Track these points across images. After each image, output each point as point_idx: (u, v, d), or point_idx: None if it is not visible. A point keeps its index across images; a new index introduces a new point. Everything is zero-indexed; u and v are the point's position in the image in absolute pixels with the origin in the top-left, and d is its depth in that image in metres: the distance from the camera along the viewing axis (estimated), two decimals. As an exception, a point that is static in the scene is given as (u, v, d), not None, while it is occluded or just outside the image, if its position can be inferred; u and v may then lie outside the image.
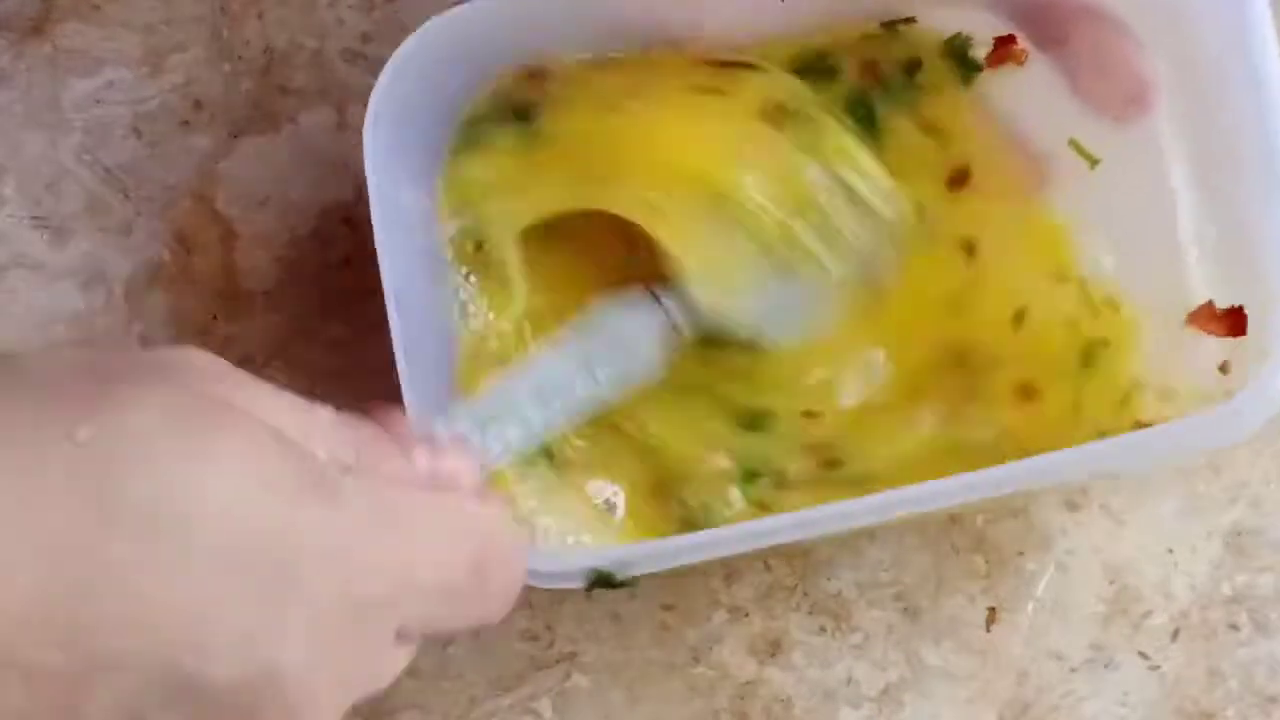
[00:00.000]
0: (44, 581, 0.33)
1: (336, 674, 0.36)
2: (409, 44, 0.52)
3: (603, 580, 0.49)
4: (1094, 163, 0.53)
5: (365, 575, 0.37)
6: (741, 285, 0.52)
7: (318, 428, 0.38)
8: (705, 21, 0.54)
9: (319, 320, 0.59)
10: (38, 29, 0.61)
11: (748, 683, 0.57)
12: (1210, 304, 0.51)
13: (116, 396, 0.35)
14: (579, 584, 0.49)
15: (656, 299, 0.49)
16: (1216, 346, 0.51)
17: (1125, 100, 0.51)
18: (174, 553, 0.34)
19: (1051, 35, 0.52)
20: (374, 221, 0.51)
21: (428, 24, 0.52)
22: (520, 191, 0.54)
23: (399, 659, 0.39)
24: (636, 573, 0.49)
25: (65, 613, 0.33)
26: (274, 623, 0.35)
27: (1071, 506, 0.58)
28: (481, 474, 0.43)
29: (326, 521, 0.36)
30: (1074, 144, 0.53)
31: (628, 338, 0.49)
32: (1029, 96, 0.54)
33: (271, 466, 0.35)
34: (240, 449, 0.35)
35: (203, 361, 0.37)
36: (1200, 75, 0.49)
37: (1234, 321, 0.50)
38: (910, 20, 0.55)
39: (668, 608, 0.58)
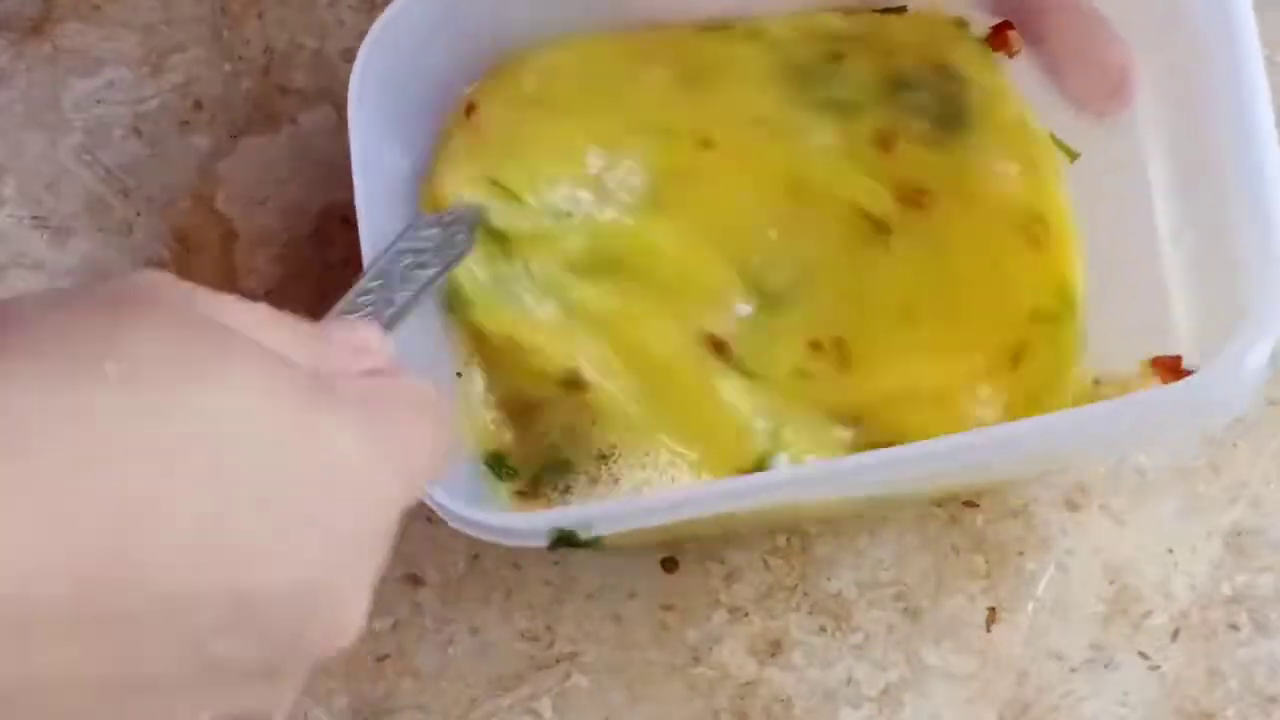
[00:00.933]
0: (107, 528, 0.33)
1: (367, 568, 0.38)
2: (394, 8, 0.53)
3: (566, 539, 0.50)
4: (1074, 157, 0.54)
5: (384, 475, 0.38)
6: None
7: (279, 332, 0.38)
8: (697, 4, 0.55)
9: (318, 320, 0.59)
10: (38, 29, 0.61)
11: (748, 683, 0.57)
12: (1178, 359, 0.51)
13: (125, 327, 0.35)
14: (542, 542, 0.50)
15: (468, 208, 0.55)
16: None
17: (1106, 94, 0.52)
18: (219, 479, 0.34)
19: (1032, 31, 0.53)
20: (355, 181, 0.52)
21: None
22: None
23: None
24: (600, 532, 0.50)
25: (129, 557, 0.33)
26: (315, 531, 0.36)
27: (1071, 506, 0.58)
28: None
29: (339, 427, 0.37)
30: (1052, 138, 0.54)
31: (450, 236, 0.54)
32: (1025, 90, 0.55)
33: (279, 382, 0.36)
34: (249, 369, 0.36)
35: (170, 285, 0.37)
36: (1182, 69, 0.50)
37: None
38: (901, 9, 0.55)
39: (668, 608, 0.58)
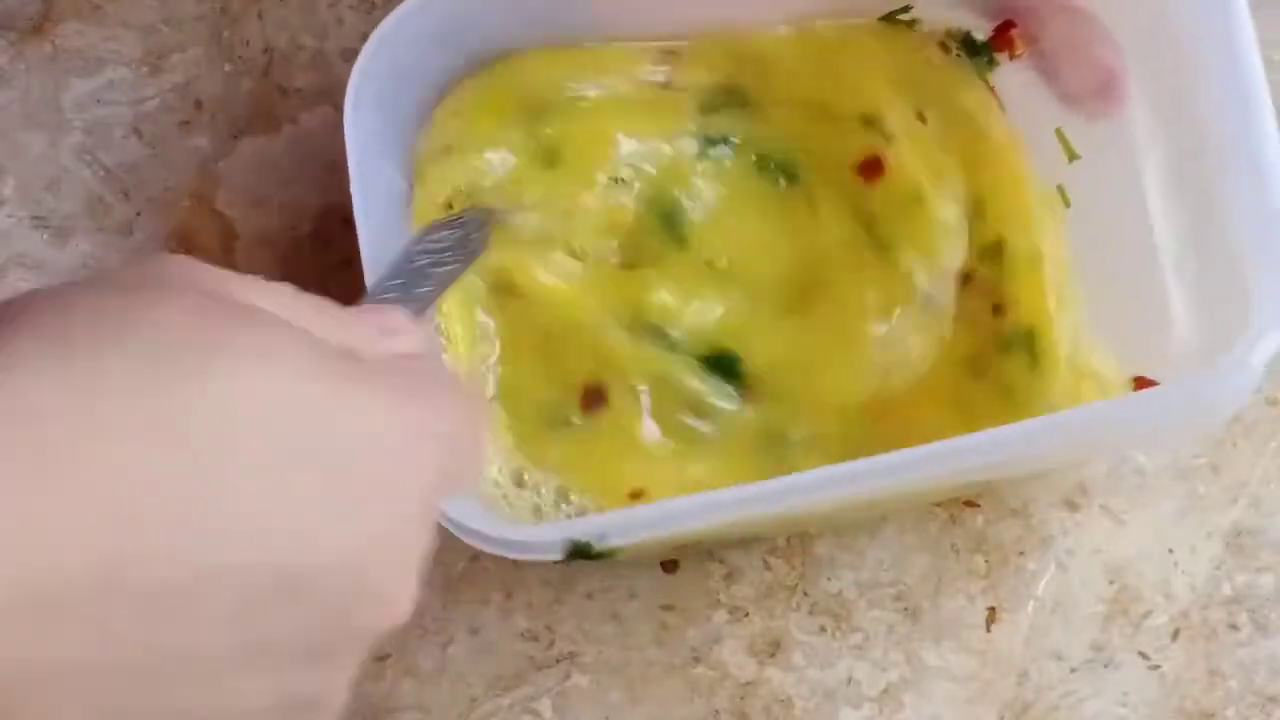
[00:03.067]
0: (127, 503, 0.32)
1: (412, 547, 0.37)
2: (387, 24, 0.53)
3: (581, 551, 0.49)
4: (1073, 157, 0.54)
5: (423, 452, 0.37)
6: None
7: (305, 309, 0.38)
8: (694, 14, 0.55)
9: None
10: (38, 29, 0.61)
11: (748, 683, 0.57)
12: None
13: (143, 306, 0.35)
14: (557, 555, 0.49)
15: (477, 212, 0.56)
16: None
17: (1097, 92, 0.52)
18: (241, 452, 0.34)
19: (1025, 33, 0.53)
20: (354, 201, 0.53)
21: (403, 6, 0.53)
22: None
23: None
24: (615, 543, 0.49)
25: (154, 530, 0.33)
26: (353, 506, 0.35)
27: (1071, 506, 0.58)
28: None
29: (372, 400, 0.36)
30: (1059, 134, 0.54)
31: (464, 237, 0.54)
32: (1007, 99, 0.55)
33: (305, 354, 0.35)
34: (272, 342, 0.35)
35: (193, 267, 0.37)
36: (1175, 68, 0.50)
37: None
38: (907, 8, 0.55)
39: (668, 608, 0.58)
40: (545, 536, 0.50)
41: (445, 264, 0.51)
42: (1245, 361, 0.46)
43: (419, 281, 0.49)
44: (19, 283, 0.60)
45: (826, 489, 0.49)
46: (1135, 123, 0.52)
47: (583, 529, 0.50)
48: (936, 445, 0.49)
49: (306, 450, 0.35)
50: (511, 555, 0.50)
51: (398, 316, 0.42)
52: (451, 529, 0.50)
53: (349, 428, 0.35)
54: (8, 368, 0.33)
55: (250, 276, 0.38)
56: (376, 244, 0.52)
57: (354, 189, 0.53)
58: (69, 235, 0.60)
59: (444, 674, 0.57)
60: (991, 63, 0.55)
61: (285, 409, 0.35)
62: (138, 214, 0.60)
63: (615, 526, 0.50)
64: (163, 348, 0.34)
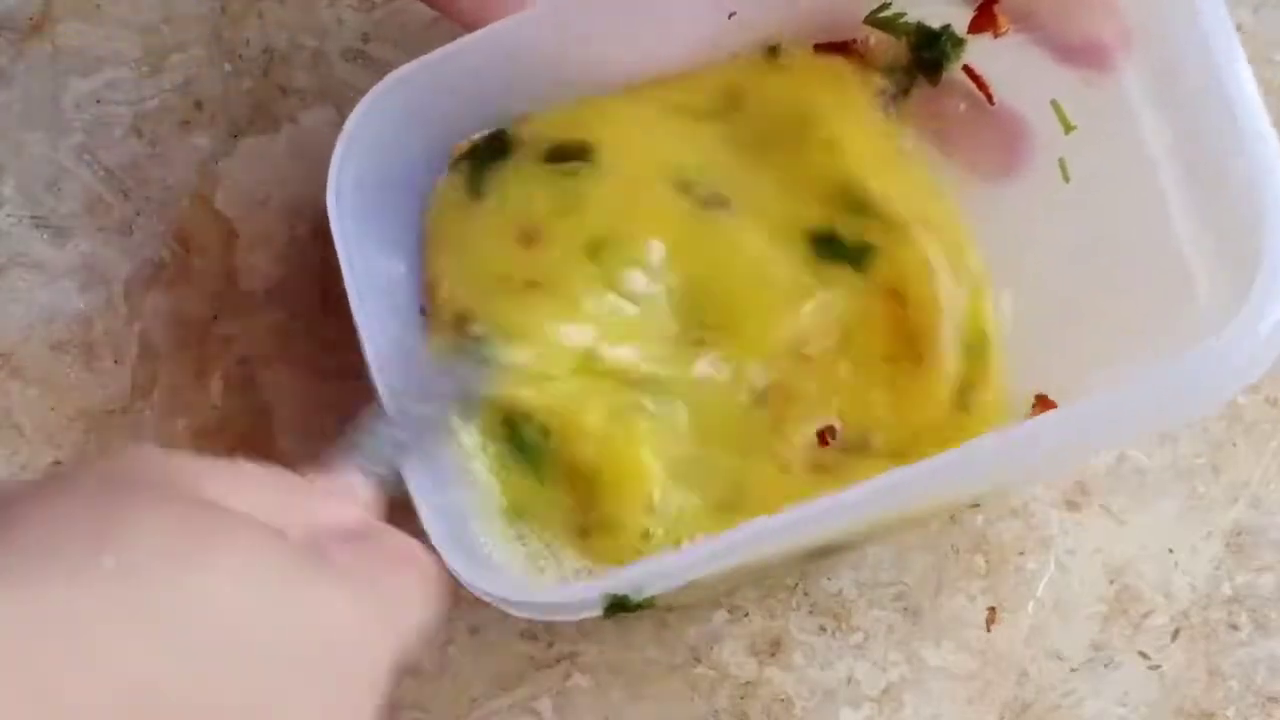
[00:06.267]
0: (102, 704, 0.34)
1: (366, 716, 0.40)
2: (361, 109, 0.53)
3: (619, 604, 0.49)
4: (1070, 128, 0.54)
5: (377, 634, 0.41)
6: None
7: (265, 493, 0.41)
8: (677, 50, 0.56)
9: (319, 319, 0.59)
10: (38, 29, 0.61)
11: (748, 683, 0.57)
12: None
13: (117, 519, 0.37)
14: (597, 612, 0.49)
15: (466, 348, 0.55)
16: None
17: (1096, 52, 0.52)
18: (220, 658, 0.36)
19: (1013, 4, 0.53)
20: (350, 295, 0.52)
21: (379, 85, 0.53)
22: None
23: None
24: (651, 592, 0.49)
25: None
26: (315, 695, 0.38)
27: (1071, 506, 0.58)
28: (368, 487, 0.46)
29: (332, 597, 0.39)
30: (1055, 105, 0.54)
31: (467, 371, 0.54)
32: (1002, 76, 0.55)
33: (271, 558, 0.38)
34: (241, 550, 0.38)
35: (156, 461, 0.40)
36: (1164, 30, 0.50)
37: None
38: (886, 4, 0.55)
39: (668, 607, 0.58)
40: (583, 596, 0.50)
41: (442, 399, 0.52)
42: (1255, 329, 0.46)
43: (408, 426, 0.50)
44: (18, 282, 0.60)
45: (843, 514, 0.49)
46: (1131, 90, 0.51)
47: (615, 583, 0.49)
48: (967, 447, 0.48)
49: (271, 648, 0.37)
50: (554, 619, 0.51)
51: (352, 481, 0.45)
52: (491, 600, 0.50)
53: (309, 623, 0.38)
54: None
55: (206, 461, 0.40)
56: (379, 342, 0.52)
57: (351, 292, 0.52)
58: (69, 235, 0.60)
59: (444, 674, 0.57)
60: (957, 45, 0.55)
61: (252, 611, 0.37)
62: (138, 214, 0.60)
63: (649, 576, 0.49)
64: (140, 561, 0.36)
